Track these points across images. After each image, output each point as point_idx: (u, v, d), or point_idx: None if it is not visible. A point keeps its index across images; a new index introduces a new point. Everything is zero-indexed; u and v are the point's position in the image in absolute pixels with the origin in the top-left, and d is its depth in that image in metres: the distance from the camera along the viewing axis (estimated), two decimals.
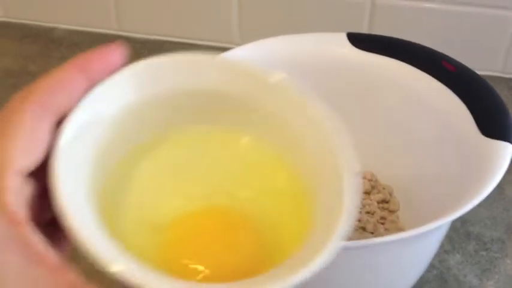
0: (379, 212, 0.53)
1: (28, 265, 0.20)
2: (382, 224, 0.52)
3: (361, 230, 0.51)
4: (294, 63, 0.54)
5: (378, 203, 0.54)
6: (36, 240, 0.21)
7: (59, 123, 0.23)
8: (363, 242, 0.38)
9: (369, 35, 0.57)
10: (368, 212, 0.53)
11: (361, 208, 0.53)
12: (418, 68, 0.51)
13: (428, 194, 0.51)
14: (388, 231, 0.51)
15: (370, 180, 0.55)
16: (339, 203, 0.24)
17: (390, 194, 0.55)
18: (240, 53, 0.53)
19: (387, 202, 0.54)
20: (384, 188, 0.55)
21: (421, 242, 0.42)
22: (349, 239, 0.49)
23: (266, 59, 0.53)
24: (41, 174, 0.22)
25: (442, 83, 0.49)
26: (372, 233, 0.51)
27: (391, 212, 0.54)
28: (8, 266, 0.20)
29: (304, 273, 0.22)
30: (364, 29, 0.75)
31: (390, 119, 0.54)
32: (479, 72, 0.76)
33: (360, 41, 0.55)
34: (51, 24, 0.84)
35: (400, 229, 0.52)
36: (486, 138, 0.44)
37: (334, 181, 0.25)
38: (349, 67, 0.55)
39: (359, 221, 0.51)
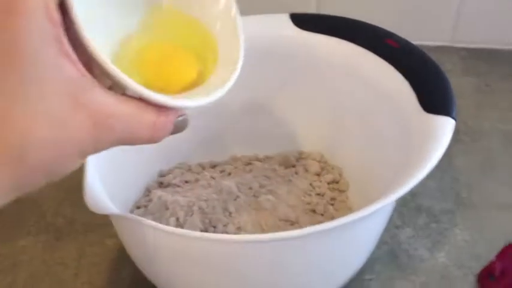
0: (329, 193, 0.53)
1: (59, 56, 0.26)
2: (332, 204, 0.52)
3: (312, 212, 0.51)
4: None
5: (328, 183, 0.54)
6: (66, 40, 0.26)
7: None
8: (308, 229, 0.37)
9: (312, 15, 0.57)
10: (318, 194, 0.52)
11: (311, 190, 0.52)
12: (361, 46, 0.51)
13: (375, 171, 0.51)
14: (337, 211, 0.51)
15: (319, 161, 0.55)
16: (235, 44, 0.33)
17: (340, 175, 0.54)
18: None
19: (337, 182, 0.54)
20: (333, 169, 0.55)
21: (366, 223, 0.42)
22: (300, 222, 0.49)
23: None
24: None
25: (386, 60, 0.49)
26: (322, 214, 0.51)
27: (341, 191, 0.54)
28: (45, 54, 0.26)
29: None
30: (312, 9, 0.74)
31: (336, 99, 0.54)
32: (429, 43, 0.77)
33: (302, 21, 0.54)
34: None
35: (349, 208, 0.52)
36: (428, 114, 0.44)
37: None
38: (292, 48, 0.54)
39: (309, 203, 0.51)
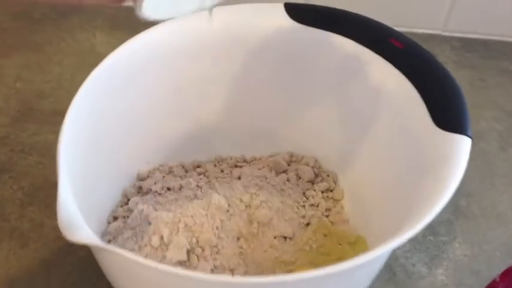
0: (323, 204, 0.49)
1: None
2: (327, 216, 0.48)
3: (306, 226, 0.47)
4: (228, 35, 0.49)
5: (322, 192, 0.50)
6: None
7: None
8: (316, 272, 0.33)
9: (308, 6, 0.51)
10: (312, 205, 0.48)
11: (304, 201, 0.48)
12: (362, 44, 0.46)
13: (374, 181, 0.47)
14: (334, 225, 0.47)
15: (313, 167, 0.51)
16: None
17: (334, 182, 0.50)
18: (172, 25, 0.46)
19: (331, 191, 0.50)
20: (328, 175, 0.51)
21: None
22: (295, 237, 0.45)
23: (198, 31, 0.47)
24: None
25: (389, 62, 0.44)
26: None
27: (336, 201, 0.50)
28: None
29: None
30: None
31: (332, 98, 0.49)
32: (420, 31, 0.73)
33: (297, 12, 0.49)
34: None
35: (345, 221, 0.48)
36: (442, 131, 0.40)
37: None
38: (286, 42, 0.49)
39: (303, 217, 0.47)
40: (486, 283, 0.48)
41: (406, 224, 0.36)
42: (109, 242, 0.43)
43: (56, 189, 0.40)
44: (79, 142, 0.41)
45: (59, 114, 0.39)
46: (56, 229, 0.49)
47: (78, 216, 0.35)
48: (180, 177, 0.49)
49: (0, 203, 0.51)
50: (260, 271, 0.43)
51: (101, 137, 0.45)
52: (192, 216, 0.42)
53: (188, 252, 0.41)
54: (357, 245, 0.46)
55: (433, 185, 0.37)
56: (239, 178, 0.49)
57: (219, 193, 0.45)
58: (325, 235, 0.46)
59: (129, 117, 0.48)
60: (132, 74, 0.46)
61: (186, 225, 0.42)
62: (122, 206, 0.47)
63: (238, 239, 0.44)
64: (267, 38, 0.49)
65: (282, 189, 0.48)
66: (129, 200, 0.47)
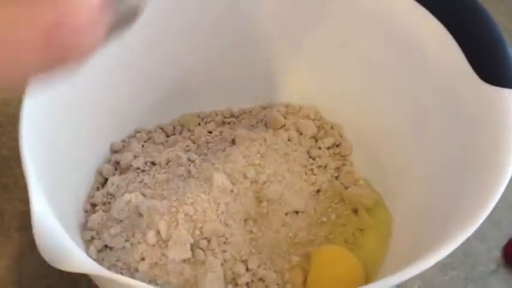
0: (332, 163, 0.42)
1: None
2: (337, 177, 0.42)
3: (316, 194, 0.40)
4: None
5: (328, 148, 0.43)
6: None
7: None
8: None
9: None
10: (320, 167, 0.42)
11: (311, 164, 0.42)
12: None
13: (388, 133, 0.41)
14: (347, 190, 0.41)
15: (314, 119, 0.44)
16: None
17: (340, 135, 0.44)
18: None
19: (338, 145, 0.44)
20: (332, 128, 0.44)
21: None
22: (307, 209, 0.39)
23: None
24: None
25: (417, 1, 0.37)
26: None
27: (343, 157, 0.43)
28: None
29: None
30: None
31: (348, 42, 0.41)
32: None
33: None
34: None
35: (357, 181, 0.42)
36: (487, 84, 0.33)
37: None
38: None
39: (313, 183, 0.41)
40: (509, 235, 0.44)
41: (446, 206, 0.31)
42: (92, 239, 0.36)
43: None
44: (40, 116, 0.33)
45: None
46: (21, 216, 0.42)
47: (63, 236, 0.27)
48: (162, 144, 0.42)
49: None
50: (275, 257, 0.37)
51: (63, 106, 0.36)
52: (192, 203, 0.35)
53: (192, 246, 0.35)
54: (375, 211, 0.40)
55: (484, 160, 0.31)
56: (233, 141, 0.42)
57: (217, 168, 0.38)
58: (339, 202, 0.41)
59: (93, 79, 0.39)
60: None
61: (186, 214, 0.35)
62: (98, 189, 0.39)
63: (245, 221, 0.37)
64: None
65: (286, 153, 0.41)
66: (106, 180, 0.39)
